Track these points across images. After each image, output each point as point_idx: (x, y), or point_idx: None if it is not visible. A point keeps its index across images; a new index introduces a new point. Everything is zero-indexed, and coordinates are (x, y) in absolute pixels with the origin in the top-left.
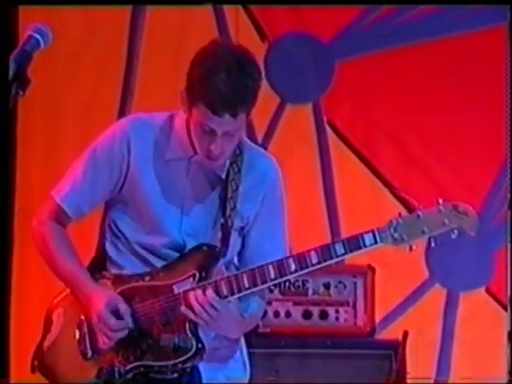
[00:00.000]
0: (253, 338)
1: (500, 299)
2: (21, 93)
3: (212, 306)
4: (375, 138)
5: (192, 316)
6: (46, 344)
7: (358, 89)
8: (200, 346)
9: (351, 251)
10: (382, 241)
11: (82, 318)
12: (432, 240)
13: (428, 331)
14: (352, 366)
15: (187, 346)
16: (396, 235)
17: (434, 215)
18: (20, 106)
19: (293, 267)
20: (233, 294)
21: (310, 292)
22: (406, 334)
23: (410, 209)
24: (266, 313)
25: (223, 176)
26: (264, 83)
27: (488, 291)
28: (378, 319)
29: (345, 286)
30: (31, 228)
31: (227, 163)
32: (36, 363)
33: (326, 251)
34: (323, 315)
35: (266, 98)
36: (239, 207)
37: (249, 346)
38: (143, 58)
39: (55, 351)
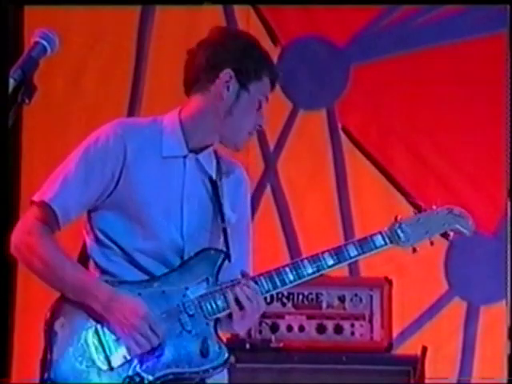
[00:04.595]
0: (265, 353)
1: None
2: (27, 101)
3: (256, 298)
4: (390, 144)
5: (237, 309)
6: (55, 357)
7: (373, 94)
8: (228, 352)
9: (364, 253)
10: (391, 242)
11: (98, 327)
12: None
13: (447, 346)
14: (368, 382)
15: (216, 351)
16: (402, 235)
17: (432, 218)
18: (24, 112)
19: (310, 270)
20: None
21: (324, 305)
22: (424, 349)
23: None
24: (278, 327)
25: (214, 176)
26: (276, 88)
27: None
28: (395, 334)
29: (360, 299)
30: (12, 241)
31: (214, 165)
32: (47, 376)
33: (340, 253)
34: (338, 329)
35: (279, 103)
36: (227, 212)
37: (261, 361)
38: (152, 62)
39: (68, 364)
